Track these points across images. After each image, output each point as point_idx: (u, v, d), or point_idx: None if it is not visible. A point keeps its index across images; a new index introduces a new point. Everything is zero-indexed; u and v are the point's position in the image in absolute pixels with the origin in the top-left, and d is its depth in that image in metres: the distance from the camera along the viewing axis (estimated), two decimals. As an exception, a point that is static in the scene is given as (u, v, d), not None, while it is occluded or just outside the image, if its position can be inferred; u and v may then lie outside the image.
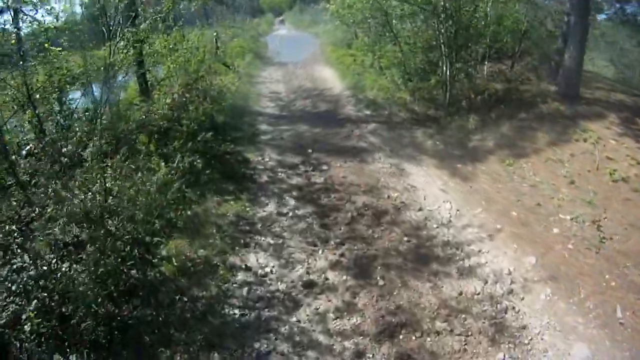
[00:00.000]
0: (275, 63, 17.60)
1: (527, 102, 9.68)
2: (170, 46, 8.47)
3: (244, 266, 5.64)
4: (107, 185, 5.16)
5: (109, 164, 5.18)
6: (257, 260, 5.80)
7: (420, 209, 6.94)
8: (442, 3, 9.75)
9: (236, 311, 4.95)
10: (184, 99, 8.04)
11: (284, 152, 8.94)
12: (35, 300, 3.76)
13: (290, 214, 6.82)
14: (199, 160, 7.14)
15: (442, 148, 8.92)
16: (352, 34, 17.76)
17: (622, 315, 5.01)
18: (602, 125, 8.46)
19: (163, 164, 6.48)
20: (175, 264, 5.19)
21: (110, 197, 5.18)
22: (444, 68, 10.31)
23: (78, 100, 6.62)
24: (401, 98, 11.13)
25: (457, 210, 6.88)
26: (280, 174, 8.07)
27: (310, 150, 8.93)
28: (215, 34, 14.43)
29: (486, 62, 11.39)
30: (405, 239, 6.27)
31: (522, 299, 5.29)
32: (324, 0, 18.61)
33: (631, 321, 4.96)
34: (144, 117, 7.15)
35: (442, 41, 10.30)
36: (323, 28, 24.32)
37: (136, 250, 4.86)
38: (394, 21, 11.87)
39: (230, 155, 8.42)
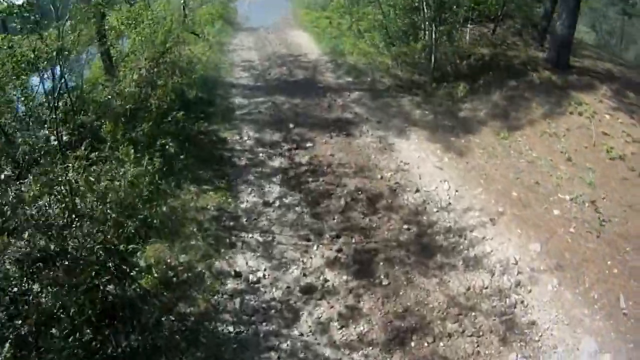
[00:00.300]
0: (246, 29, 16.42)
1: (517, 70, 9.24)
2: (129, 22, 7.43)
3: (232, 272, 5.09)
4: (71, 185, 4.43)
5: (70, 164, 4.40)
6: (247, 263, 5.26)
7: (417, 190, 6.53)
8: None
9: (230, 328, 4.44)
10: (152, 74, 7.13)
11: (262, 128, 8.23)
12: (8, 344, 3.19)
13: (277, 203, 6.26)
14: (171, 144, 6.44)
15: (432, 118, 8.41)
16: (327, -5, 16.69)
17: (625, 305, 4.91)
18: (595, 97, 8.16)
19: (132, 151, 5.76)
20: (156, 275, 4.60)
21: (77, 198, 4.48)
22: (427, 31, 9.66)
23: (37, 87, 5.72)
24: (383, 63, 10.48)
25: (456, 190, 6.51)
26: (260, 154, 7.43)
27: (291, 125, 8.27)
28: (182, 1, 13.10)
29: (468, 25, 10.80)
30: (405, 226, 5.88)
31: (530, 291, 5.08)
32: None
33: (634, 311, 4.86)
34: (109, 98, 6.25)
35: (425, 2, 9.60)
36: (295, -10, 22.90)
37: (111, 262, 4.20)
38: (373, -19, 11.07)
39: (204, 135, 7.69)
